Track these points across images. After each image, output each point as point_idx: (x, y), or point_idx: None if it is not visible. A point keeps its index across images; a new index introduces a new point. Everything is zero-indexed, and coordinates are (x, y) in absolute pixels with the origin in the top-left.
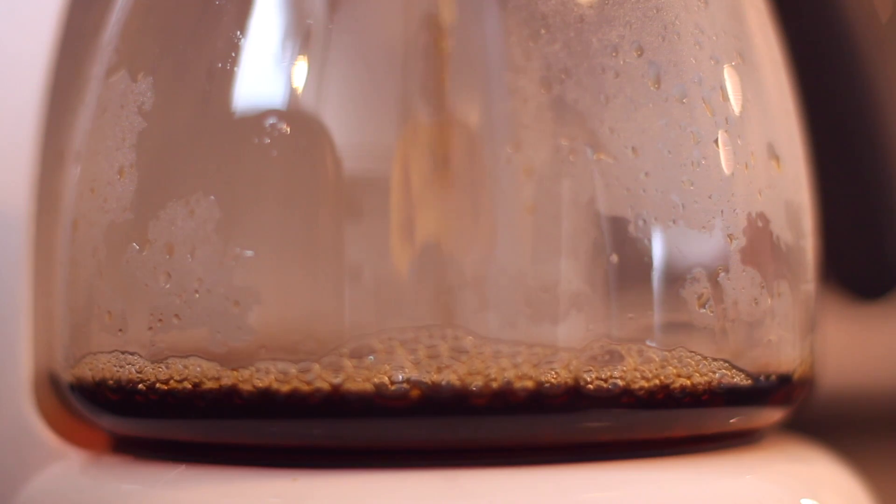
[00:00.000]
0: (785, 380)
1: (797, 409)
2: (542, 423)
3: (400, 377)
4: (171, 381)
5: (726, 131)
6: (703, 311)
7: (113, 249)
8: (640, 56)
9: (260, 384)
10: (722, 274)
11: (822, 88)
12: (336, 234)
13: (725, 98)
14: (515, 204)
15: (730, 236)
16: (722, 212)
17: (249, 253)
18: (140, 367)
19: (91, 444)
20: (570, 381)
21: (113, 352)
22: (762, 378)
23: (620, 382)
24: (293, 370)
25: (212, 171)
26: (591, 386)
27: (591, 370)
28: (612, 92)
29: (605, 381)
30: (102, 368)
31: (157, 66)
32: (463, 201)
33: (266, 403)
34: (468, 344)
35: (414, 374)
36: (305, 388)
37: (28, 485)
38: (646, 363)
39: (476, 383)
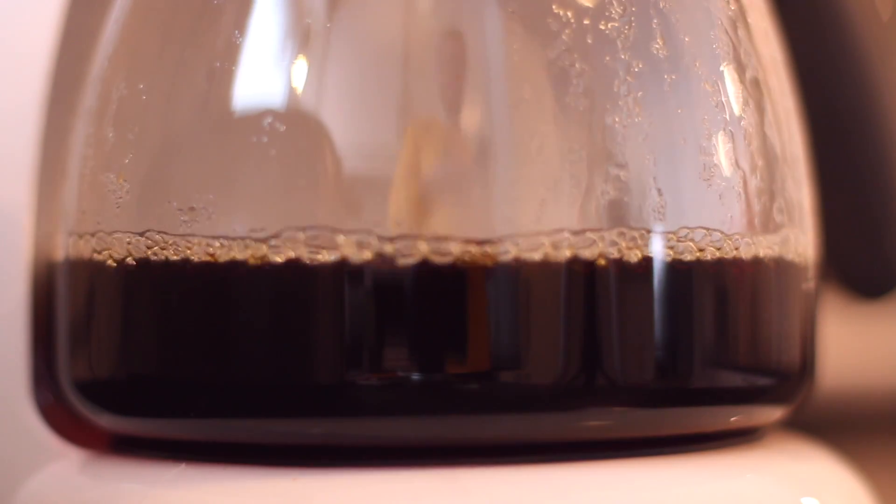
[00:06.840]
0: (785, 378)
1: (797, 407)
2: (543, 420)
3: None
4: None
5: (726, 131)
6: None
7: (114, 252)
8: (640, 57)
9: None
10: (722, 273)
11: (822, 88)
12: (335, 233)
13: (726, 98)
14: (516, 202)
15: (730, 235)
16: (721, 211)
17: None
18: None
19: (91, 443)
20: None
21: None
22: (763, 376)
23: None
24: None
25: (211, 170)
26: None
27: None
28: (612, 92)
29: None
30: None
31: (157, 65)
32: (463, 200)
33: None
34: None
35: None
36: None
37: (27, 484)
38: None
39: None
